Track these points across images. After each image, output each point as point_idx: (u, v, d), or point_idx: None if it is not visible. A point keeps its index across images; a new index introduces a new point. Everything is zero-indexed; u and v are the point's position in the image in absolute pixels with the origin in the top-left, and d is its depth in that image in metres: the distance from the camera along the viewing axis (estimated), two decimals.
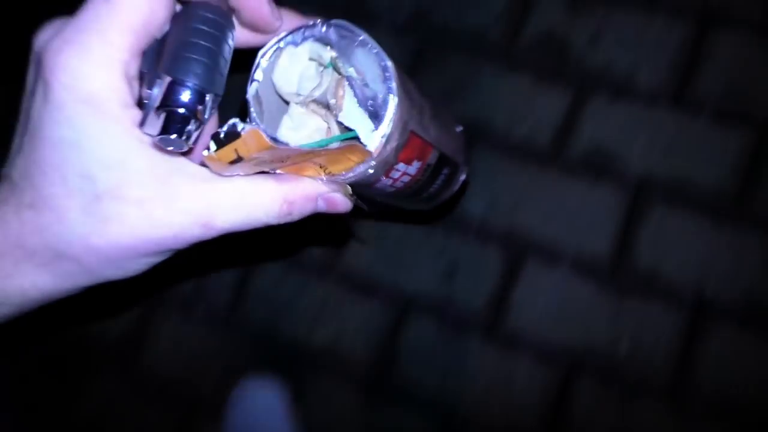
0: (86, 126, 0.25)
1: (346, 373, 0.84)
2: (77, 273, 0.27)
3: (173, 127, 0.26)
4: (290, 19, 0.32)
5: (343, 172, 0.30)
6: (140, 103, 0.28)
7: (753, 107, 0.81)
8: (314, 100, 0.32)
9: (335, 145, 0.29)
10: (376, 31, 0.31)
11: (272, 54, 0.32)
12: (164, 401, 0.88)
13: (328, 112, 0.32)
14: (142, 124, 0.26)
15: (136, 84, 0.28)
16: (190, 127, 0.27)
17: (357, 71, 0.31)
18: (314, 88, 0.32)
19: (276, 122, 0.33)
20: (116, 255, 0.27)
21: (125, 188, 0.26)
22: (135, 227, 0.26)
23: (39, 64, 0.26)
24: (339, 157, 0.29)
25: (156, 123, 0.26)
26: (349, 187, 0.32)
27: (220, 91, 0.28)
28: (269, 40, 0.31)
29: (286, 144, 0.27)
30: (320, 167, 0.30)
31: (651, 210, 0.80)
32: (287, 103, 0.33)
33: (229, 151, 0.25)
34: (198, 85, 0.26)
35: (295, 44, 0.31)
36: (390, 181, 0.34)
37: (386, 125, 0.30)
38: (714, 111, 0.81)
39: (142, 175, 0.26)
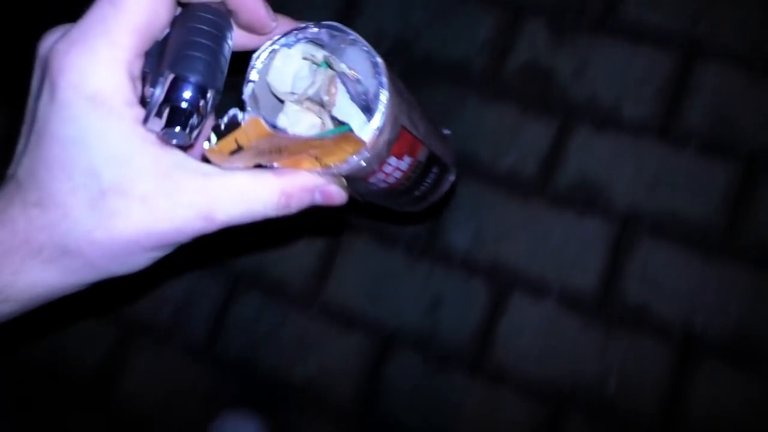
0: (91, 123, 0.26)
1: (327, 409, 0.82)
2: (83, 268, 0.28)
3: (177, 121, 0.27)
4: (283, 23, 0.33)
5: (338, 164, 0.31)
6: (143, 102, 0.29)
7: (739, 139, 0.80)
8: (308, 98, 0.33)
9: (331, 134, 0.30)
10: None
11: (267, 56, 0.33)
12: None
13: (321, 108, 0.34)
14: (145, 120, 0.27)
15: (138, 83, 0.29)
16: (193, 121, 0.28)
17: (349, 68, 0.32)
18: (308, 87, 0.33)
19: (272, 120, 0.34)
20: (121, 249, 0.28)
21: (129, 184, 0.27)
22: (139, 221, 0.27)
23: (46, 65, 0.27)
24: (334, 149, 0.30)
25: (159, 119, 0.27)
26: (344, 180, 0.33)
27: (221, 87, 0.29)
28: (263, 43, 0.33)
29: (285, 131, 0.28)
30: (316, 159, 0.31)
31: (638, 243, 0.79)
32: (282, 102, 0.34)
33: (229, 142, 0.27)
34: (200, 81, 0.28)
35: (289, 46, 0.33)
36: (383, 176, 0.35)
37: (379, 117, 0.31)
38: (700, 143, 0.81)
39: (145, 171, 0.27)
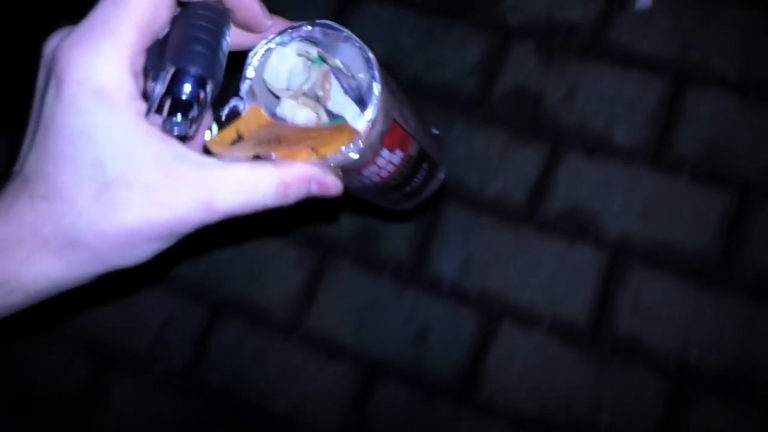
0: (97, 117, 0.28)
1: None
2: (88, 260, 0.29)
3: (178, 111, 0.29)
4: (278, 23, 0.35)
5: (334, 155, 0.32)
6: (145, 97, 0.30)
7: (733, 167, 0.79)
8: (304, 94, 0.35)
9: (327, 124, 0.32)
10: None
11: (263, 54, 0.34)
12: None
13: (317, 103, 0.35)
14: (148, 112, 0.29)
15: (141, 79, 0.30)
16: (193, 112, 0.29)
17: (342, 63, 0.34)
18: (303, 83, 0.34)
19: (271, 110, 0.36)
20: (125, 240, 0.29)
21: (132, 175, 0.28)
22: (142, 212, 0.28)
23: (52, 63, 0.28)
24: (330, 139, 0.31)
25: (162, 110, 0.29)
26: (339, 171, 0.34)
27: (220, 79, 0.30)
28: (259, 42, 0.34)
29: (284, 119, 0.29)
30: (312, 150, 0.32)
31: (630, 273, 0.77)
32: (278, 98, 0.36)
33: (230, 131, 0.28)
34: (200, 73, 0.29)
35: (284, 44, 0.34)
36: (376, 169, 0.36)
37: (372, 109, 0.32)
38: (693, 170, 0.79)
39: (147, 163, 0.28)
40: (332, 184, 0.34)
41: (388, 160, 0.37)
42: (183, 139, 0.31)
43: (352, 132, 0.32)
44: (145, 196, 0.28)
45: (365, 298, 0.83)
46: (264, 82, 0.35)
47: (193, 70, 0.29)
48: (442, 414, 0.77)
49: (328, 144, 0.32)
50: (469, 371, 0.78)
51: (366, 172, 0.36)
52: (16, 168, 0.30)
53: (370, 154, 0.34)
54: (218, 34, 0.31)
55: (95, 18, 0.29)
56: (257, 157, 0.31)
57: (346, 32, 0.33)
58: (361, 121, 0.32)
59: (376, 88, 0.33)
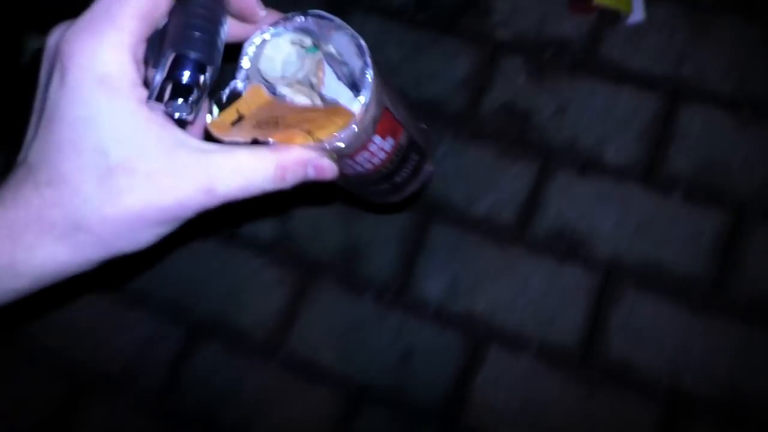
0: (100, 104, 0.28)
1: None
2: (92, 244, 0.30)
3: (179, 95, 0.30)
4: (272, 14, 0.36)
5: (329, 138, 0.33)
6: (146, 84, 0.31)
7: (728, 186, 0.76)
8: (298, 81, 0.36)
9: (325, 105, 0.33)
10: None
11: (257, 44, 0.35)
12: None
13: (311, 90, 0.36)
14: (150, 96, 0.30)
15: (142, 67, 0.31)
16: (194, 96, 0.30)
17: (336, 51, 0.35)
18: (297, 71, 0.35)
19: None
20: (128, 225, 0.29)
21: (135, 161, 0.29)
22: (144, 196, 0.29)
23: (56, 53, 0.29)
24: (326, 122, 0.32)
25: (163, 95, 0.30)
26: (334, 155, 0.35)
27: (218, 64, 0.32)
28: (254, 33, 0.35)
29: (284, 97, 0.30)
30: (308, 134, 0.33)
31: (622, 295, 0.75)
32: (274, 87, 0.37)
33: (231, 112, 0.29)
34: (199, 58, 0.30)
35: (278, 35, 0.35)
36: (368, 155, 0.38)
37: (366, 93, 0.34)
38: (687, 189, 0.77)
39: (149, 149, 0.29)
40: (328, 168, 0.35)
41: (380, 147, 0.38)
42: (183, 125, 0.32)
43: (348, 114, 0.33)
44: (148, 181, 0.29)
45: (348, 319, 0.80)
46: (259, 72, 0.36)
47: (193, 55, 0.30)
48: None
49: (323, 127, 0.33)
50: (454, 396, 0.75)
51: (359, 158, 0.37)
52: (20, 157, 0.30)
53: (364, 137, 0.36)
54: (216, 22, 0.32)
55: (97, 8, 0.29)
56: (255, 142, 0.32)
57: (338, 21, 0.35)
58: (356, 104, 0.33)
59: (369, 73, 0.34)
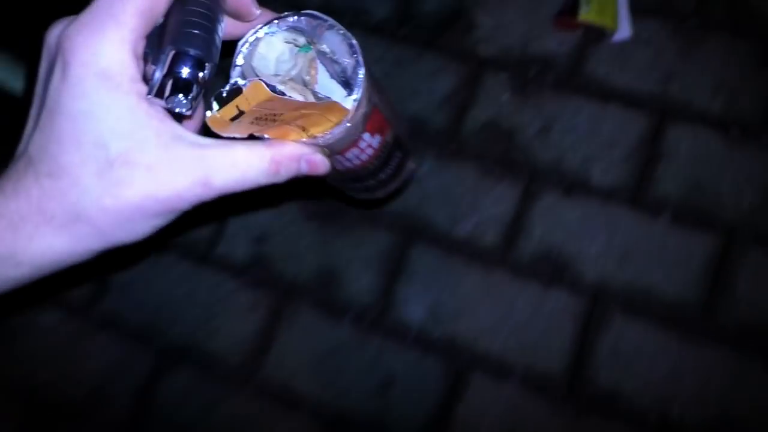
0: (100, 98, 0.29)
1: None
2: (91, 235, 0.30)
3: (179, 90, 0.31)
4: (266, 14, 0.37)
5: (323, 134, 0.34)
6: (145, 80, 0.31)
7: (717, 208, 0.74)
8: (291, 79, 0.37)
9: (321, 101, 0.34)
10: None
11: (251, 43, 0.36)
12: None
13: (304, 87, 0.37)
14: (150, 92, 0.30)
15: (141, 63, 0.32)
16: (193, 91, 0.31)
17: (328, 49, 0.36)
18: (290, 69, 0.36)
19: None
20: (127, 216, 0.30)
21: (134, 154, 0.30)
22: (143, 188, 0.30)
23: (57, 48, 0.30)
24: (320, 119, 0.34)
25: (163, 91, 0.31)
26: (327, 150, 0.37)
27: (216, 61, 0.33)
28: (248, 32, 0.36)
29: (283, 93, 0.30)
30: (303, 130, 0.34)
31: (609, 320, 0.73)
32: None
33: (231, 108, 0.29)
34: (199, 54, 0.31)
35: (271, 33, 0.36)
36: (357, 151, 0.39)
37: (358, 90, 0.35)
38: (675, 212, 0.75)
39: (148, 142, 0.30)
40: (320, 163, 0.36)
41: (369, 143, 0.40)
42: (180, 120, 0.33)
43: (342, 111, 0.34)
44: (147, 173, 0.30)
45: (325, 344, 0.77)
46: (253, 69, 0.36)
47: (192, 51, 0.31)
48: None
49: (317, 124, 0.34)
50: (436, 425, 0.73)
51: (348, 154, 0.39)
52: (20, 150, 0.31)
53: (354, 134, 0.37)
54: (213, 20, 0.33)
55: (99, 5, 0.30)
56: (251, 137, 0.33)
57: (331, 21, 0.36)
58: (349, 100, 0.35)
59: (361, 71, 0.35)
